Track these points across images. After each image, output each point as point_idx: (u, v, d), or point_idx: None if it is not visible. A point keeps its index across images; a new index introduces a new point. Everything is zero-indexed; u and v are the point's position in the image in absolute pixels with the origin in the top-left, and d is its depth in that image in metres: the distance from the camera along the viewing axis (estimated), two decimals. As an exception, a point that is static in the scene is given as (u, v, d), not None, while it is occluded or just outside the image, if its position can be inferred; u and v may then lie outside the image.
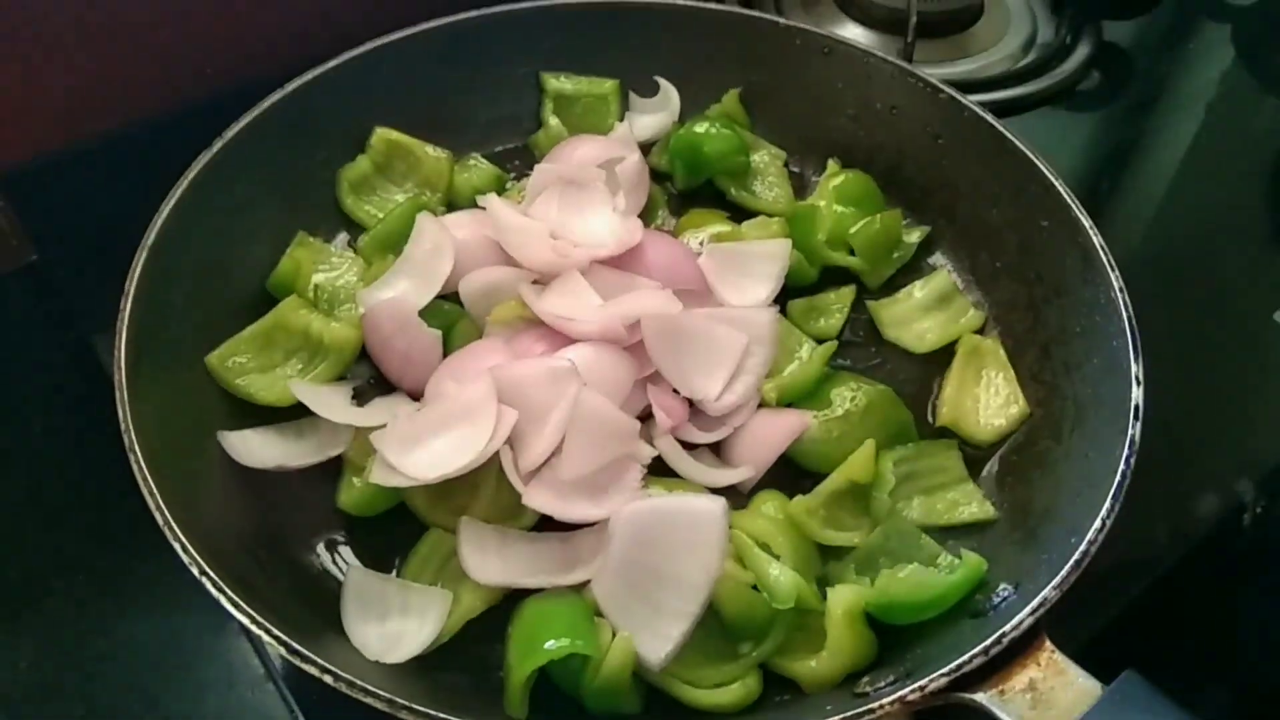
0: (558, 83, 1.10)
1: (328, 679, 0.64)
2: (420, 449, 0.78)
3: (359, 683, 0.63)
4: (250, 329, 0.88)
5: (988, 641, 0.66)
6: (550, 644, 0.70)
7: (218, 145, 0.91)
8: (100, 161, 1.05)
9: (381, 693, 0.63)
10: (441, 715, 0.63)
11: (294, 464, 0.83)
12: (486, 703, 0.72)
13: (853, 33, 1.30)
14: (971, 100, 1.00)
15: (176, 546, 0.69)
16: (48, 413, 0.96)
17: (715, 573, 0.72)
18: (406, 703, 0.62)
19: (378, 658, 0.73)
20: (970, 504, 0.85)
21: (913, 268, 1.02)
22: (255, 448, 0.83)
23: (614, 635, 0.72)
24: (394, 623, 0.75)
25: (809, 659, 0.73)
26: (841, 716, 0.64)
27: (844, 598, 0.73)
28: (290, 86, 0.97)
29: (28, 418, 0.96)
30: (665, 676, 0.73)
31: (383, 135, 1.03)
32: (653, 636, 0.72)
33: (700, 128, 1.05)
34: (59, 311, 1.04)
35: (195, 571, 0.68)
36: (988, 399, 0.92)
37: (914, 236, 1.03)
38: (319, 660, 0.64)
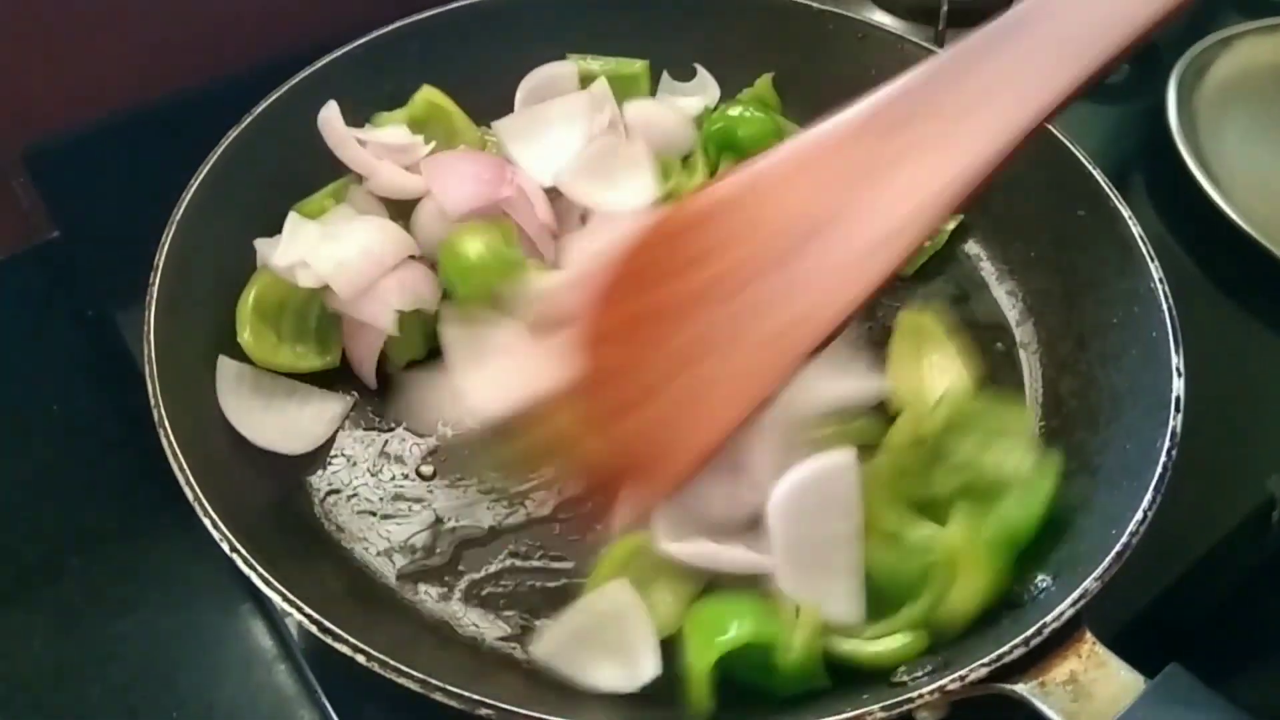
0: (585, 64, 1.09)
1: (360, 658, 0.63)
2: None
3: (391, 662, 0.63)
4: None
5: (1028, 632, 0.65)
6: (733, 631, 0.69)
7: (247, 120, 0.91)
8: (121, 138, 1.05)
9: (415, 673, 0.62)
10: (473, 696, 0.62)
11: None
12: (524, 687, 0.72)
13: (879, 20, 1.29)
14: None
15: (207, 522, 0.68)
16: (67, 390, 0.96)
17: (857, 518, 0.72)
18: (441, 684, 0.62)
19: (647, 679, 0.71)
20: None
21: (945, 256, 1.01)
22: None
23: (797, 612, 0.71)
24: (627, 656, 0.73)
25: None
26: (880, 705, 0.63)
27: (979, 526, 0.72)
28: (319, 63, 0.96)
29: (47, 395, 0.95)
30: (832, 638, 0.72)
31: (427, 95, 1.00)
32: (837, 599, 0.71)
33: (734, 111, 1.03)
34: (80, 288, 1.04)
35: (226, 548, 0.67)
36: (933, 377, 0.90)
37: (948, 224, 1.01)
38: (351, 639, 0.64)
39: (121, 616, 0.82)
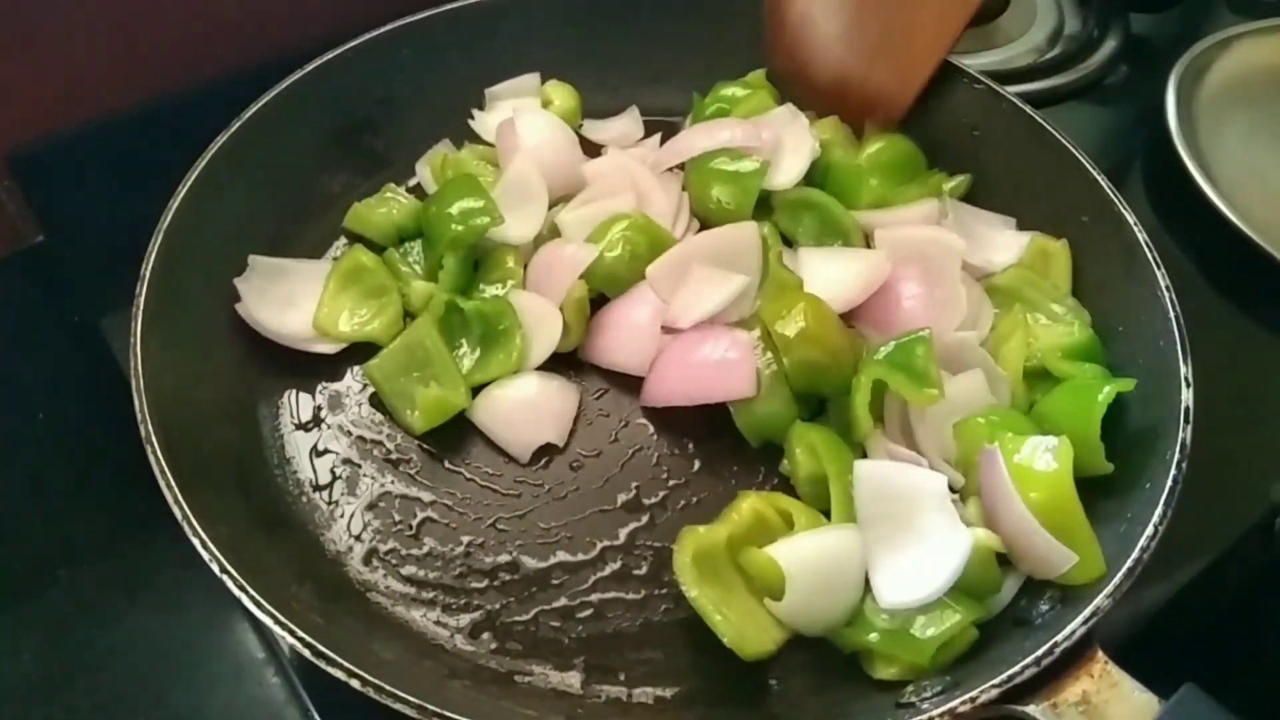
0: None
1: (355, 684, 0.62)
2: None
3: (387, 687, 0.62)
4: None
5: (1039, 652, 0.64)
6: None
7: (235, 125, 0.89)
8: (107, 143, 1.03)
9: (411, 698, 0.61)
10: None
11: None
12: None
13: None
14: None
15: (196, 543, 0.67)
16: (53, 398, 0.94)
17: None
18: (438, 709, 0.61)
19: None
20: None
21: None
22: None
23: None
24: None
25: None
26: None
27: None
28: (310, 66, 0.95)
29: (32, 403, 0.93)
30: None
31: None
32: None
33: (728, 90, 1.03)
34: (65, 294, 1.02)
35: (216, 569, 0.66)
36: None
37: (952, 184, 0.99)
38: (345, 663, 0.63)
39: (111, 628, 0.81)
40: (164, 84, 1.07)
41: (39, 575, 0.83)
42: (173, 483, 0.69)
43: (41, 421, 0.93)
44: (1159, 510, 0.71)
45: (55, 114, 1.03)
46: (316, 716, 0.76)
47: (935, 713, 0.62)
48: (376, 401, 0.88)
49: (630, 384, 0.89)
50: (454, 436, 0.86)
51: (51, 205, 1.03)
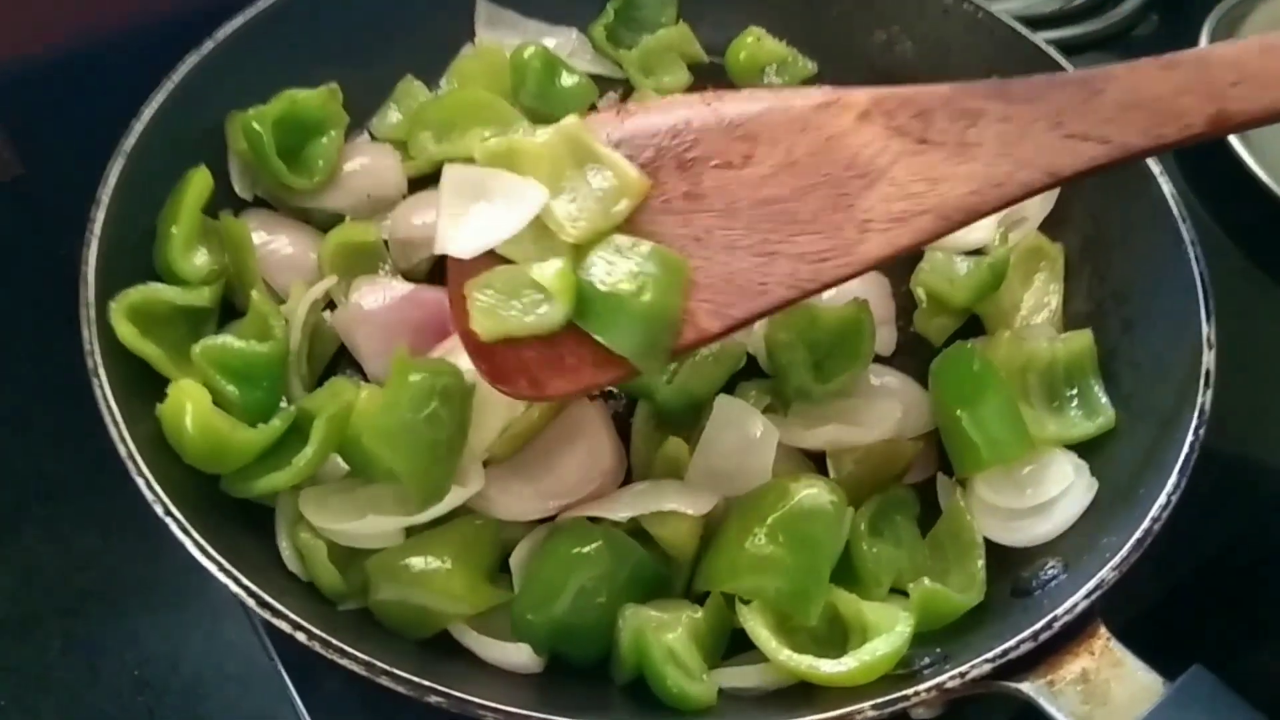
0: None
1: (300, 636, 0.60)
2: None
3: (334, 642, 0.59)
4: None
5: (1037, 626, 0.61)
6: None
7: (208, 47, 0.86)
8: (91, 70, 0.99)
9: (359, 655, 0.59)
10: (417, 679, 0.59)
11: None
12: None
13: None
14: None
15: (140, 482, 0.65)
16: (34, 334, 0.93)
17: None
18: (386, 667, 0.58)
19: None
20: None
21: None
22: None
23: None
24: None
25: None
26: (871, 703, 0.59)
27: None
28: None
29: (12, 338, 0.92)
30: None
31: None
32: None
33: (751, 39, 1.02)
34: (47, 228, 0.99)
35: (159, 511, 0.65)
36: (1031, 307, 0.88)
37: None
38: (293, 616, 0.61)
39: (85, 569, 0.80)
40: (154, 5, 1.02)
41: (15, 512, 0.82)
42: (119, 421, 0.68)
43: (21, 357, 0.92)
44: (1173, 479, 0.67)
45: (37, 36, 1.00)
46: (281, 664, 0.74)
47: (923, 688, 0.59)
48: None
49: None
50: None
51: (33, 137, 1.01)
